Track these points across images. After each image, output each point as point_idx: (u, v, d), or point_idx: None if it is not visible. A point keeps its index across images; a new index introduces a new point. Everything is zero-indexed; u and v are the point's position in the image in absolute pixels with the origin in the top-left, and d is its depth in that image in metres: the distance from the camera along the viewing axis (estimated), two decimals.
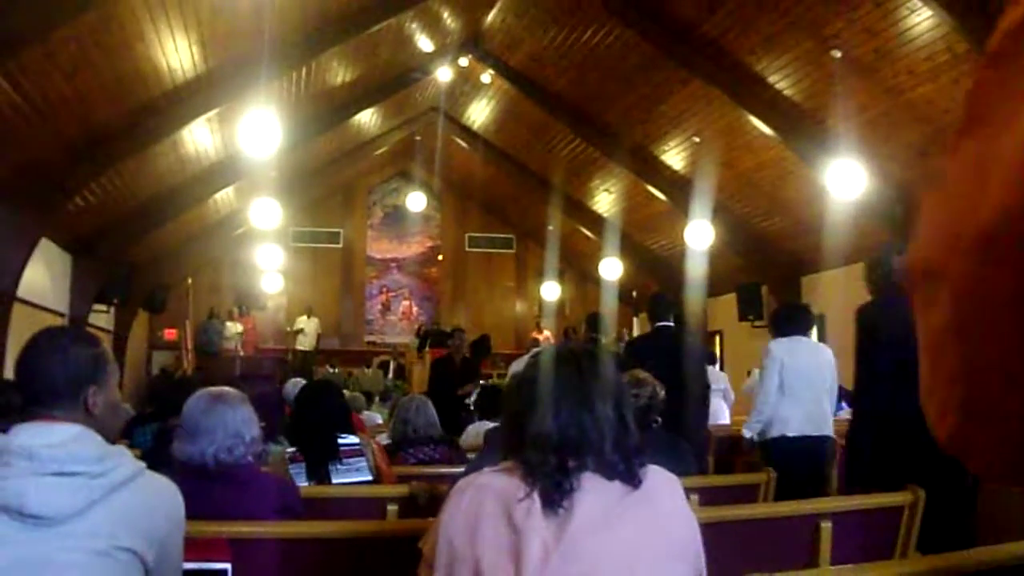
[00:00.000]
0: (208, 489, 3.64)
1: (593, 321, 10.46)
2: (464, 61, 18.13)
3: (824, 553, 4.20)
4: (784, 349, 7.88)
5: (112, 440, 2.68)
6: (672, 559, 2.41)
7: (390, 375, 21.00)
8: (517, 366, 8.37)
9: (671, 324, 8.77)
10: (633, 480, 2.42)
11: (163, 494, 2.70)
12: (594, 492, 2.38)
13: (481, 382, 12.08)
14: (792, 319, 8.26)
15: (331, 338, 25.40)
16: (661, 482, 2.50)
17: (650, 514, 2.41)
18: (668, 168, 17.44)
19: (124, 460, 2.58)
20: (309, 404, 5.72)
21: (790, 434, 7.53)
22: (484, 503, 2.42)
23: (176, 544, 2.73)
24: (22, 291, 13.08)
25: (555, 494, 2.36)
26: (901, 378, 5.48)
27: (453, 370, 12.50)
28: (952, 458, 0.96)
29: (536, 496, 2.36)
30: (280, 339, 24.77)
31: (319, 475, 5.30)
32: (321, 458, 5.35)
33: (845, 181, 11.94)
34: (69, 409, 2.62)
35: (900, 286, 5.74)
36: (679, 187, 17.31)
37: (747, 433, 8.10)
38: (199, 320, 22.72)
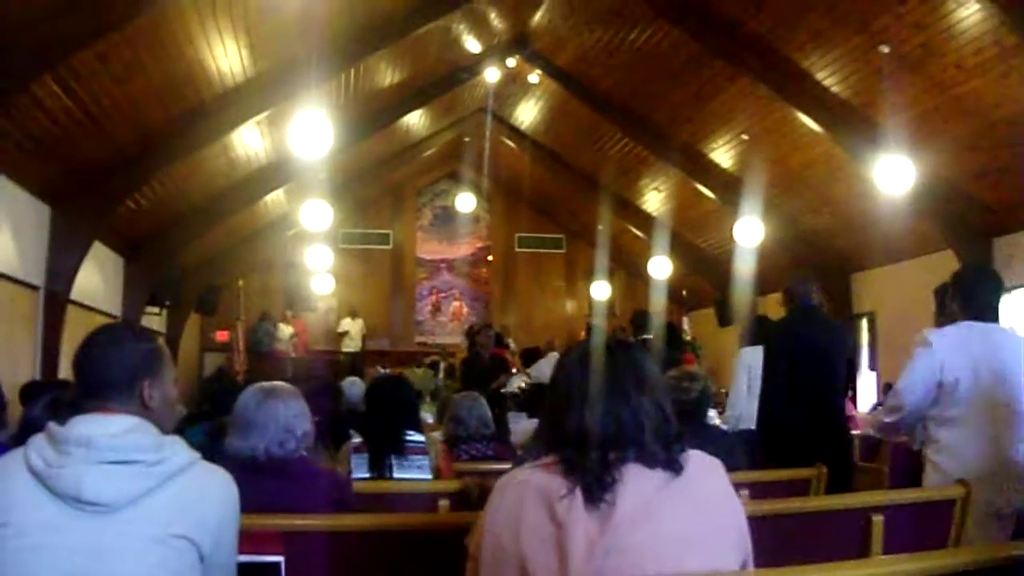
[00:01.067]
0: (260, 483, 3.67)
1: (640, 320, 10.74)
2: (511, 62, 18.14)
3: (876, 546, 4.18)
4: (750, 356, 8.86)
5: (167, 434, 2.71)
6: (718, 543, 2.41)
7: (440, 375, 21.07)
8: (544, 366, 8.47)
9: (650, 337, 10.26)
10: (674, 467, 2.41)
11: (218, 483, 2.75)
12: (636, 482, 2.37)
13: (516, 372, 12.16)
14: (760, 331, 9.15)
15: (381, 339, 25.50)
16: (702, 466, 2.50)
17: (693, 500, 2.40)
18: (716, 166, 17.39)
19: (180, 449, 2.64)
20: (381, 397, 5.83)
21: (753, 428, 8.10)
22: (525, 499, 2.43)
23: (230, 533, 2.77)
24: (75, 294, 13.25)
25: (597, 488, 2.36)
26: (794, 387, 6.88)
27: (482, 367, 12.60)
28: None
29: (578, 491, 2.36)
30: (331, 340, 24.89)
31: (380, 468, 5.37)
32: (385, 451, 5.42)
33: (894, 177, 11.84)
34: (125, 402, 2.69)
35: (810, 311, 7.25)
36: (728, 185, 17.26)
37: (723, 426, 9.23)
38: (250, 322, 22.88)
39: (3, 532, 2.43)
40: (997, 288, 5.45)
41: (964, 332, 5.19)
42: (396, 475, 5.36)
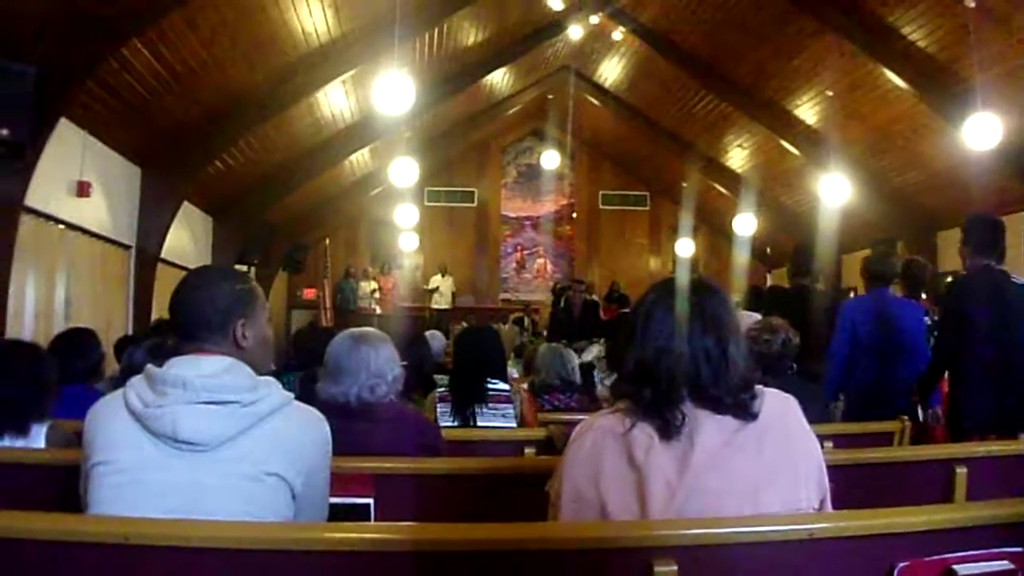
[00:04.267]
0: (351, 427, 3.75)
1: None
2: (595, 18, 18.06)
3: (959, 498, 4.17)
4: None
5: (262, 374, 2.80)
6: (796, 482, 2.42)
7: (525, 332, 21.11)
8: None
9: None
10: (745, 413, 2.42)
11: (310, 423, 2.80)
12: (709, 427, 2.39)
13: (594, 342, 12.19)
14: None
15: (466, 296, 25.65)
16: (776, 406, 2.50)
17: (770, 440, 2.41)
18: (801, 123, 17.20)
19: (274, 390, 2.70)
20: (467, 347, 5.91)
21: None
22: (604, 445, 2.45)
23: (322, 472, 2.83)
24: (166, 253, 13.61)
25: (667, 427, 2.38)
26: None
27: (572, 320, 12.64)
28: None
29: (654, 433, 2.39)
30: (417, 297, 25.08)
31: (464, 416, 5.46)
32: (469, 399, 5.51)
33: (982, 135, 11.62)
34: (219, 342, 2.78)
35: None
36: (812, 142, 17.09)
37: None
38: (337, 279, 23.17)
39: (104, 469, 2.55)
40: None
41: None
42: (480, 423, 5.44)
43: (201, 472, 2.52)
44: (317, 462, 2.78)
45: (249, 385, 2.65)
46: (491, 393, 5.56)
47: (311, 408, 2.85)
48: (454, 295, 24.72)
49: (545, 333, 16.66)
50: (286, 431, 2.67)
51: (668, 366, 2.46)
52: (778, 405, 2.51)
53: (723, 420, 2.41)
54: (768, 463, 2.39)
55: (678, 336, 2.49)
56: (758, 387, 2.51)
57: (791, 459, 2.44)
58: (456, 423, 5.42)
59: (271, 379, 2.75)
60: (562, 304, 14.21)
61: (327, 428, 2.84)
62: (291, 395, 2.76)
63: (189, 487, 2.51)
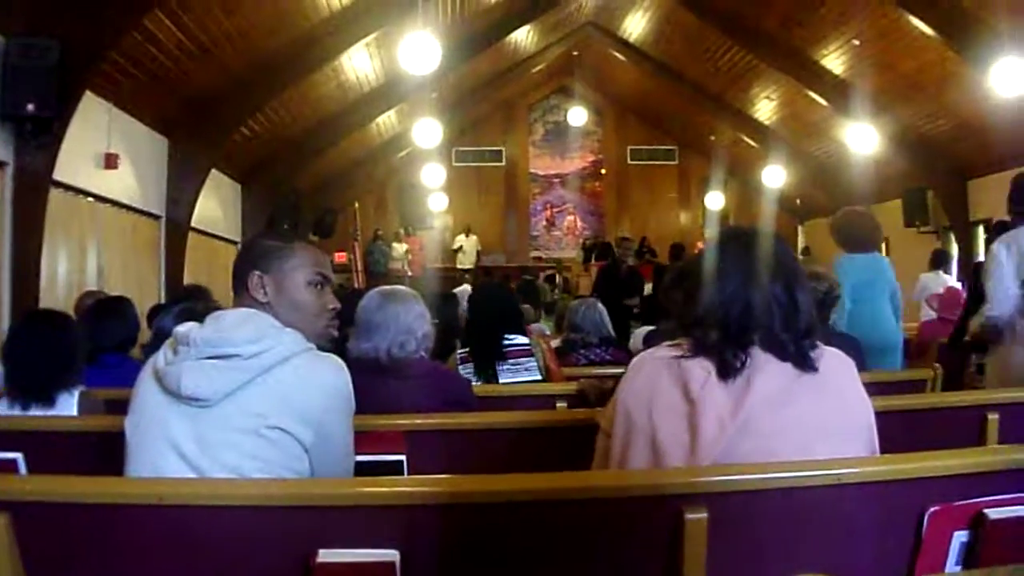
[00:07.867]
0: (382, 383, 3.83)
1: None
2: None
3: (991, 444, 4.12)
4: None
5: (316, 344, 2.84)
6: (847, 439, 2.42)
7: (556, 289, 21.07)
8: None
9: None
10: (806, 363, 2.43)
11: (321, 372, 2.74)
12: (769, 370, 2.40)
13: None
14: None
15: (497, 254, 25.82)
16: (836, 364, 2.51)
17: (826, 395, 2.43)
18: (828, 72, 17.01)
19: (283, 340, 2.69)
20: (481, 303, 5.82)
21: None
22: (661, 375, 2.47)
23: (337, 422, 2.77)
24: (196, 221, 13.66)
25: (726, 367, 2.40)
26: None
27: (619, 277, 12.68)
28: None
29: (712, 369, 2.40)
30: (447, 258, 25.17)
31: (487, 374, 5.39)
32: (488, 356, 5.44)
33: (1009, 80, 11.51)
34: (239, 294, 2.87)
35: None
36: (840, 91, 16.91)
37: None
38: (367, 243, 23.23)
39: (131, 430, 2.68)
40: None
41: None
42: (503, 380, 5.36)
43: (204, 427, 2.57)
44: (330, 413, 2.73)
45: (253, 337, 2.65)
46: (511, 348, 5.46)
47: (329, 356, 2.82)
48: (479, 254, 24.86)
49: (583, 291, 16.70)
50: (292, 382, 2.65)
51: (740, 311, 2.48)
52: (837, 363, 2.52)
53: (784, 367, 2.43)
54: (823, 416, 2.41)
55: (747, 282, 2.51)
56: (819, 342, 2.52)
57: (845, 417, 2.46)
58: (481, 382, 5.33)
59: (285, 329, 2.75)
60: (610, 261, 14.22)
61: (344, 377, 2.80)
62: (305, 345, 2.77)
63: (196, 442, 2.57)
